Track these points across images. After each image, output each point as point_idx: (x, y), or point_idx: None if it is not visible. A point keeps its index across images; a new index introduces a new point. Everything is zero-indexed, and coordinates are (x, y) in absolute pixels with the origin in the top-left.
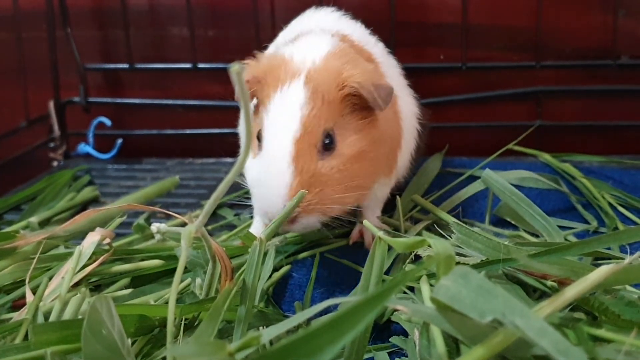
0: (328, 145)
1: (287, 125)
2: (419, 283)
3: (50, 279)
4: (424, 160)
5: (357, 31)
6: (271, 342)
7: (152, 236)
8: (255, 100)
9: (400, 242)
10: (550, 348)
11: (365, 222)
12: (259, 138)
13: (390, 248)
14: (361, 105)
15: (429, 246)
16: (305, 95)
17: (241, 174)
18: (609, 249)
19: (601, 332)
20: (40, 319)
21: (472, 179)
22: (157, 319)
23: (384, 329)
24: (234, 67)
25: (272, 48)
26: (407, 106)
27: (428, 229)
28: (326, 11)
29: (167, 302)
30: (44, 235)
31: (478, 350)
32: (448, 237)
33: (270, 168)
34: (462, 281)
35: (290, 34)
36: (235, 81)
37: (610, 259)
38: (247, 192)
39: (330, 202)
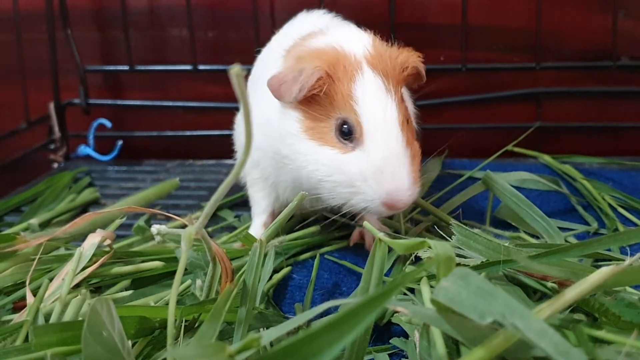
0: (408, 125)
1: (389, 112)
2: (419, 284)
3: (50, 280)
4: (424, 161)
5: (355, 37)
6: (272, 344)
7: (152, 238)
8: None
9: (401, 244)
10: (550, 349)
11: (365, 223)
12: (346, 131)
13: (390, 250)
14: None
15: (429, 248)
16: (382, 80)
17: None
18: (609, 250)
19: (601, 334)
20: (40, 320)
21: (472, 180)
22: (158, 320)
23: (385, 331)
24: (234, 69)
25: (266, 53)
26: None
27: (428, 230)
28: (318, 14)
29: (167, 304)
30: (45, 238)
31: (478, 352)
32: (448, 238)
33: (392, 154)
34: (462, 283)
35: (286, 39)
36: (234, 83)
37: (610, 260)
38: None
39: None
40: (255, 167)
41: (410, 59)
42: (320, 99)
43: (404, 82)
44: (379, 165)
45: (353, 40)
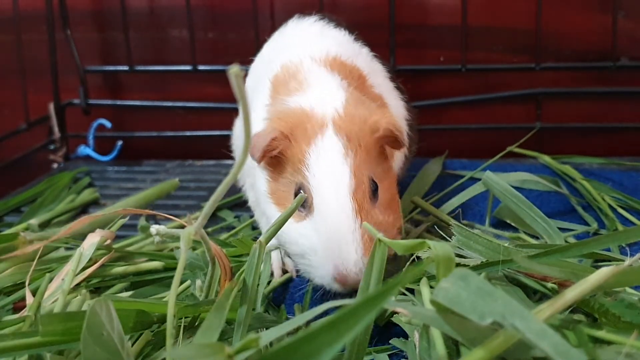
0: (374, 192)
1: (339, 179)
2: (419, 285)
3: (51, 280)
4: (424, 162)
5: (343, 44)
6: (271, 344)
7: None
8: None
9: (400, 244)
10: (550, 350)
11: (365, 224)
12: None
13: None
14: (382, 148)
15: (429, 248)
16: (342, 144)
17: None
18: (608, 250)
19: (601, 334)
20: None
21: (472, 181)
22: (157, 315)
23: (386, 331)
24: (233, 70)
25: (258, 61)
26: (397, 110)
27: (428, 230)
28: (309, 22)
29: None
30: (43, 243)
31: (478, 353)
32: (448, 239)
33: (337, 227)
34: (461, 283)
35: (276, 51)
36: (233, 83)
37: (610, 260)
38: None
39: None
40: (250, 190)
41: (383, 120)
42: (282, 162)
43: (376, 146)
44: (325, 239)
45: (326, 99)
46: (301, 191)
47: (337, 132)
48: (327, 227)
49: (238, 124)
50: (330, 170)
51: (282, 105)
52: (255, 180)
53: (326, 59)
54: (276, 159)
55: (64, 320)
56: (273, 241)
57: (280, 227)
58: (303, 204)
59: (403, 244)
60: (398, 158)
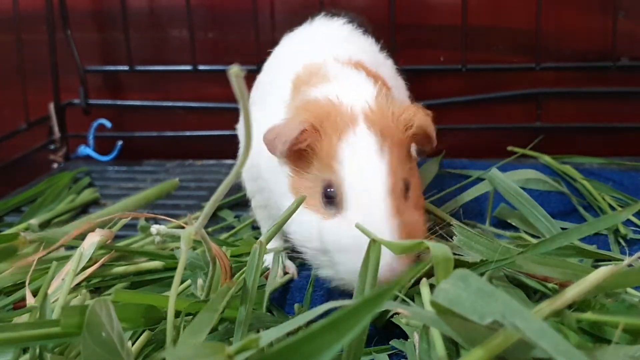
0: (406, 191)
1: (377, 177)
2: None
3: (54, 271)
4: (423, 161)
5: (368, 52)
6: (272, 344)
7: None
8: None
9: (396, 245)
10: (550, 349)
11: (357, 224)
12: (331, 195)
13: None
14: (409, 146)
15: (427, 248)
16: (376, 140)
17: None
18: (608, 250)
19: (588, 315)
20: (48, 311)
21: (473, 180)
22: (163, 310)
23: (385, 332)
24: (233, 70)
25: (276, 58)
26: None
27: (429, 230)
28: (337, 24)
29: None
30: (41, 253)
31: (477, 352)
32: (449, 238)
33: (376, 228)
34: (461, 284)
35: (297, 50)
36: (234, 83)
37: (610, 261)
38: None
39: None
40: (257, 193)
41: (416, 117)
42: (308, 156)
43: (408, 143)
44: (357, 237)
45: (354, 92)
46: (331, 189)
47: (370, 127)
48: (359, 228)
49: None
50: (366, 167)
51: (305, 96)
52: (271, 177)
53: (349, 61)
54: (300, 153)
55: (84, 313)
56: (275, 243)
57: (280, 228)
58: (332, 202)
59: (401, 244)
60: None
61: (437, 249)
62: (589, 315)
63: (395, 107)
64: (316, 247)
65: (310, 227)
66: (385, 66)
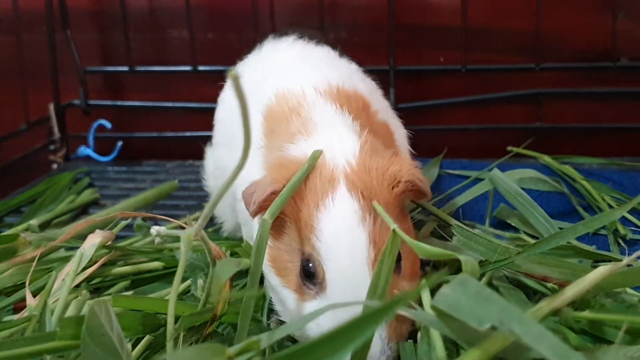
0: (398, 262)
1: (357, 252)
2: None
3: (55, 278)
4: (424, 162)
5: (341, 71)
6: (274, 349)
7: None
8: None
9: (425, 248)
10: (548, 353)
11: (376, 204)
12: (310, 272)
13: None
14: (402, 201)
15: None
16: (358, 206)
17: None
18: (608, 250)
19: (586, 314)
20: (48, 315)
21: (473, 181)
22: (163, 317)
23: None
24: (231, 72)
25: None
26: (399, 132)
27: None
28: (295, 44)
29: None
30: (40, 250)
31: (475, 353)
32: (449, 239)
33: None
34: (460, 289)
35: (261, 77)
36: (232, 85)
37: (610, 261)
38: None
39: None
40: (228, 222)
41: (402, 171)
42: (284, 223)
43: (397, 201)
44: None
45: (336, 148)
46: (310, 265)
47: (350, 190)
48: (341, 316)
49: (210, 155)
50: (345, 241)
51: (282, 152)
52: (251, 232)
53: (330, 90)
54: (277, 219)
55: (81, 324)
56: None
57: (284, 203)
58: (312, 280)
59: (429, 249)
60: None
61: (469, 264)
62: (587, 314)
63: (380, 162)
64: (301, 334)
65: (290, 310)
66: (364, 83)
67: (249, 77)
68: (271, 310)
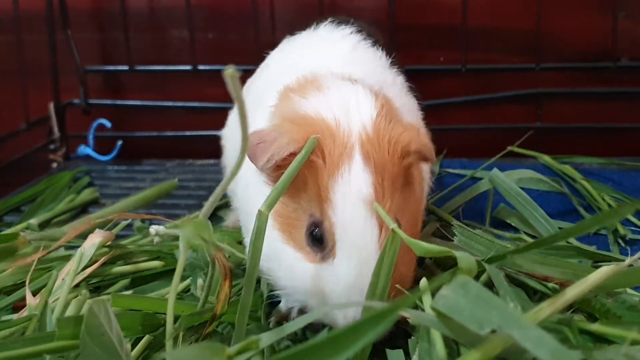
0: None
1: (369, 225)
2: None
3: (55, 277)
4: None
5: (374, 68)
6: (274, 348)
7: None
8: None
9: (422, 246)
10: (547, 358)
11: (376, 205)
12: (317, 236)
13: None
14: (410, 168)
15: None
16: (371, 180)
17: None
18: (608, 250)
19: (595, 327)
20: (49, 314)
21: (472, 181)
22: (163, 317)
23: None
24: (228, 71)
25: (266, 67)
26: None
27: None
28: (342, 33)
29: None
30: (40, 254)
31: (475, 354)
32: (451, 238)
33: (364, 281)
34: (461, 291)
35: (293, 59)
36: (229, 85)
37: (610, 261)
38: None
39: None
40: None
41: (413, 141)
42: (297, 182)
43: (404, 172)
44: (350, 289)
45: (352, 111)
46: (317, 229)
47: (366, 163)
48: (353, 278)
49: (233, 115)
50: (360, 216)
51: (294, 105)
52: (245, 194)
53: (349, 78)
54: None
55: (80, 324)
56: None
57: (283, 191)
58: (320, 244)
59: (426, 247)
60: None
61: (464, 260)
62: (597, 327)
63: (395, 130)
64: (305, 292)
65: (291, 268)
66: (395, 85)
67: (285, 58)
68: (268, 315)
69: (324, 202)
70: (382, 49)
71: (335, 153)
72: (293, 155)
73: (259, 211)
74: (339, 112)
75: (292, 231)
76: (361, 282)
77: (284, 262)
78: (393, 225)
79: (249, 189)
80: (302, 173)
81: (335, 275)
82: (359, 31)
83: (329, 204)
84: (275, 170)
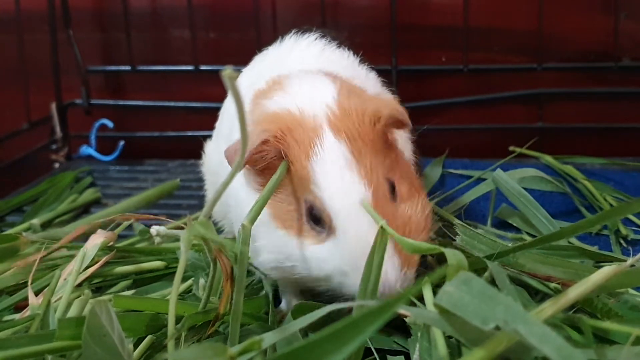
0: (392, 190)
1: (354, 191)
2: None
3: (58, 277)
4: (426, 162)
5: (343, 65)
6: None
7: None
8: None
9: (409, 243)
10: (552, 354)
11: (365, 204)
12: (316, 216)
13: None
14: (386, 135)
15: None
16: (346, 148)
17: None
18: (610, 251)
19: (606, 324)
20: (51, 314)
21: (475, 181)
22: (165, 318)
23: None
24: (226, 72)
25: (243, 81)
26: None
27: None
28: (309, 40)
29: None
30: (41, 254)
31: (479, 352)
32: (453, 238)
33: (367, 247)
34: (465, 287)
35: (265, 67)
36: (227, 85)
37: (612, 261)
38: None
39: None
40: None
41: (381, 107)
42: (284, 182)
43: (381, 137)
44: (356, 262)
45: (314, 97)
46: (315, 210)
47: (336, 135)
48: (355, 248)
49: (214, 148)
50: (341, 184)
51: (263, 109)
52: (237, 201)
53: (317, 72)
54: (269, 173)
55: (81, 325)
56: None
57: (267, 200)
58: (320, 224)
59: (413, 243)
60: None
61: (451, 255)
62: (607, 324)
63: (359, 103)
64: (315, 274)
65: (302, 255)
66: (369, 79)
67: (257, 69)
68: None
69: (310, 183)
70: (348, 50)
71: (306, 136)
72: (265, 143)
73: (242, 225)
74: (302, 102)
75: (293, 223)
76: (365, 246)
77: (295, 255)
78: (382, 222)
79: (240, 195)
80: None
81: (342, 248)
82: (323, 36)
83: (314, 183)
84: (260, 175)
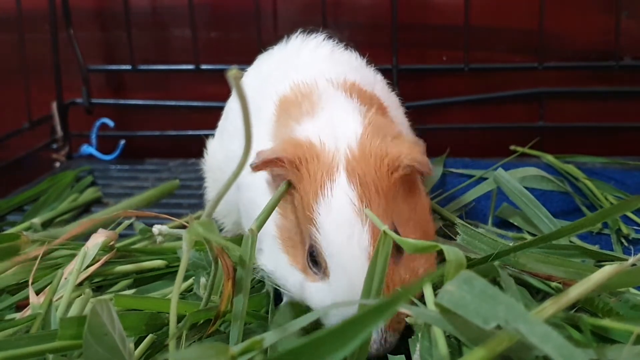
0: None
1: (355, 241)
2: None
3: (60, 276)
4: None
5: (357, 70)
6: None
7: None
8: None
9: (410, 243)
10: (554, 354)
11: (367, 211)
12: (314, 258)
13: None
14: (408, 180)
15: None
16: (357, 195)
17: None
18: (611, 250)
19: (606, 322)
20: (53, 313)
21: (476, 180)
22: (166, 317)
23: None
24: (232, 72)
25: (254, 79)
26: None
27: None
28: (316, 41)
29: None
30: (44, 248)
31: (480, 351)
32: (454, 237)
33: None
34: (466, 287)
35: (279, 69)
36: (232, 85)
37: (613, 261)
38: None
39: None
40: (226, 217)
41: (402, 156)
42: (292, 196)
43: (396, 185)
44: (345, 310)
45: (338, 131)
46: (313, 252)
47: (349, 178)
48: (345, 298)
49: (217, 146)
50: (344, 232)
51: (289, 130)
52: (249, 205)
53: (344, 83)
54: (289, 199)
55: (82, 325)
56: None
57: (272, 209)
58: (317, 264)
59: (413, 243)
60: None
61: (451, 252)
62: (608, 323)
63: (381, 146)
64: (309, 303)
65: (297, 289)
66: (377, 82)
67: (269, 71)
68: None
69: (312, 224)
70: (354, 51)
71: (319, 173)
72: (280, 160)
73: (250, 229)
74: (326, 134)
75: (296, 253)
76: (356, 298)
77: (291, 283)
78: (384, 227)
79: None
80: (295, 185)
81: (332, 290)
82: (330, 37)
83: (314, 225)
84: (262, 169)
